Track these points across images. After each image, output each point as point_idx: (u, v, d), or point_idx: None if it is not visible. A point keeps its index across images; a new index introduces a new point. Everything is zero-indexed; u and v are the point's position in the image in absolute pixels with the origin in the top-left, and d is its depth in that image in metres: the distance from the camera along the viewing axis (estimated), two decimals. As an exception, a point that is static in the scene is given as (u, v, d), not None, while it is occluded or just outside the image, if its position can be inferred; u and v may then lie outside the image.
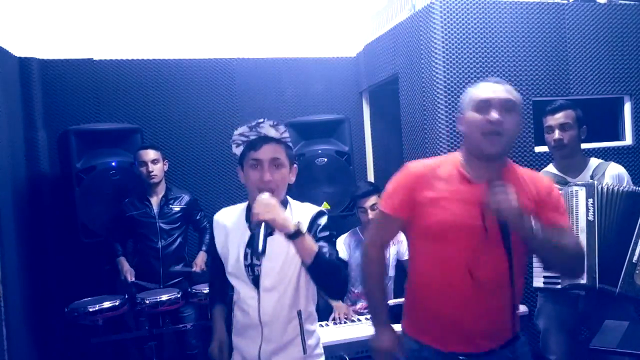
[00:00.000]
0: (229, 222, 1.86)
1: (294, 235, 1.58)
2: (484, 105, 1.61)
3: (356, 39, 4.56)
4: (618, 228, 2.27)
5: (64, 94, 3.87)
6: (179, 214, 3.46)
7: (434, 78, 3.16)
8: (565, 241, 1.61)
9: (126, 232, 3.46)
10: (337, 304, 3.08)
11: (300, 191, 3.12)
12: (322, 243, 1.68)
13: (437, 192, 1.66)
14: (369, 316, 2.85)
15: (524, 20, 3.27)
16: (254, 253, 1.59)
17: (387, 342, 1.77)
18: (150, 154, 3.38)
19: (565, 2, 3.38)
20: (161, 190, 3.46)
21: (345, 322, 2.79)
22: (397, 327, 2.11)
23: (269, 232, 1.59)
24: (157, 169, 3.39)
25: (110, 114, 3.96)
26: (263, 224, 1.57)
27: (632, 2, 3.52)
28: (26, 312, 3.28)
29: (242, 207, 1.87)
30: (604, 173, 2.50)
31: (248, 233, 1.76)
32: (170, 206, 3.45)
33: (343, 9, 4.73)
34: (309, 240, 1.61)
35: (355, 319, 2.83)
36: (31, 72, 3.72)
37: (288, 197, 1.84)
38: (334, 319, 2.99)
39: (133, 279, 3.30)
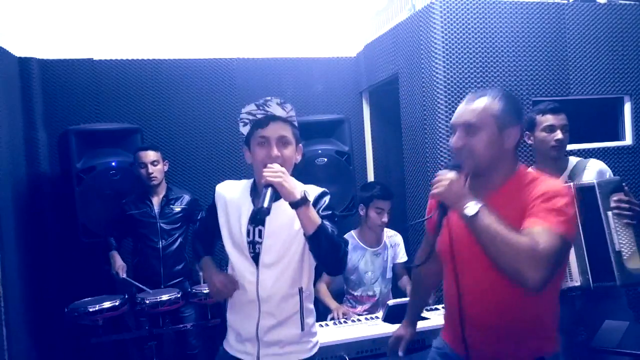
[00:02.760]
0: (232, 194, 1.85)
1: (300, 203, 1.58)
2: (452, 131, 1.66)
3: (356, 39, 4.55)
4: (592, 223, 2.22)
5: (64, 94, 3.87)
6: (180, 214, 3.45)
7: (434, 78, 3.16)
8: (513, 237, 1.39)
9: (124, 229, 3.45)
10: (335, 305, 3.08)
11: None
12: (325, 221, 1.68)
13: None
14: (369, 316, 2.88)
15: (524, 20, 3.27)
16: (257, 212, 1.60)
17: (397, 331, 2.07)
18: (150, 156, 3.35)
19: (565, 2, 3.38)
20: (162, 190, 3.45)
21: (345, 322, 2.79)
22: (396, 327, 2.11)
23: (275, 197, 1.60)
24: (157, 171, 3.37)
25: (110, 114, 3.96)
26: (270, 187, 1.58)
27: (632, 2, 3.52)
28: (26, 312, 3.28)
29: (246, 183, 1.87)
30: (583, 170, 2.47)
31: (251, 208, 1.76)
32: (172, 206, 3.44)
33: (343, 9, 4.72)
34: (313, 211, 1.61)
35: (355, 319, 2.83)
36: (31, 72, 3.72)
37: (292, 177, 1.84)
38: (332, 318, 2.99)
39: (124, 276, 3.22)
